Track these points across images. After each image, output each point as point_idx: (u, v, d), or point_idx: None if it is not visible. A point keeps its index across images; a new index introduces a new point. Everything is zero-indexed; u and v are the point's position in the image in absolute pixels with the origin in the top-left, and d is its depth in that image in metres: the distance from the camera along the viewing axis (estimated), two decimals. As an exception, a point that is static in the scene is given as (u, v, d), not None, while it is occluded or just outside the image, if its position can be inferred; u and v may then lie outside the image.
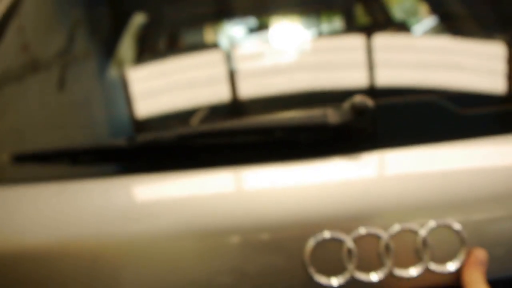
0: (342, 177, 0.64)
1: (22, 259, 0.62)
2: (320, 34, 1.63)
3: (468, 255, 0.60)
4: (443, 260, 0.60)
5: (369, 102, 0.64)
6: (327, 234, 0.59)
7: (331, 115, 0.65)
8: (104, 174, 0.68)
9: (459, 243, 0.60)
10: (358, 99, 0.64)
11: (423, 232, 0.59)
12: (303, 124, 0.66)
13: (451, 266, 0.60)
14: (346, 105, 0.65)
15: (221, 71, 1.01)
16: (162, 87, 0.98)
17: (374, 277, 0.59)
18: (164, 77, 1.05)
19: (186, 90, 0.96)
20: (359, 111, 0.64)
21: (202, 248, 0.61)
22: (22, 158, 0.70)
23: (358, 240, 0.59)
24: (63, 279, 0.62)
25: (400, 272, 0.59)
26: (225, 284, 0.60)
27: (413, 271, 0.59)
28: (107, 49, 1.24)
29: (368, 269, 0.59)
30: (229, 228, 0.61)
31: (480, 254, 0.59)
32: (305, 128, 0.66)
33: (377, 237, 0.59)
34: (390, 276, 0.59)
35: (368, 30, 1.41)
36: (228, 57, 1.09)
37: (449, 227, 0.60)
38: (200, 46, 1.53)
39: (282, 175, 0.64)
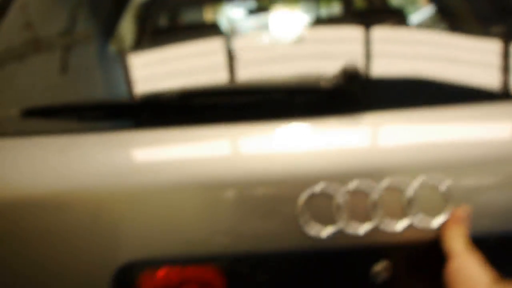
0: (334, 136, 0.66)
1: (27, 208, 0.65)
2: (318, 18, 1.65)
3: (452, 212, 0.63)
4: (428, 216, 0.63)
5: (359, 68, 0.67)
6: (318, 188, 0.62)
7: (324, 79, 0.68)
8: (109, 129, 0.71)
9: (444, 200, 0.63)
10: (349, 64, 0.68)
11: (410, 189, 0.63)
12: (298, 87, 0.69)
13: (436, 222, 0.63)
14: (338, 70, 0.68)
15: (220, 51, 1.03)
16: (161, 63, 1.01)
17: (362, 229, 0.62)
18: (164, 57, 1.08)
19: (185, 66, 0.99)
20: (350, 75, 0.67)
21: (199, 201, 0.64)
22: (30, 113, 0.73)
23: (348, 194, 0.62)
24: (66, 227, 0.64)
25: (387, 226, 0.62)
26: (222, 234, 0.63)
27: (399, 226, 0.63)
28: (108, 27, 1.26)
29: (356, 222, 0.63)
30: (226, 182, 0.64)
31: (462, 211, 0.63)
32: (300, 90, 0.69)
33: (366, 192, 0.62)
34: (377, 229, 0.63)
35: (364, 15, 1.44)
36: (227, 38, 1.11)
37: (435, 185, 0.63)
38: (200, 26, 1.55)
39: (278, 133, 0.67)
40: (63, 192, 0.65)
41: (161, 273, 0.64)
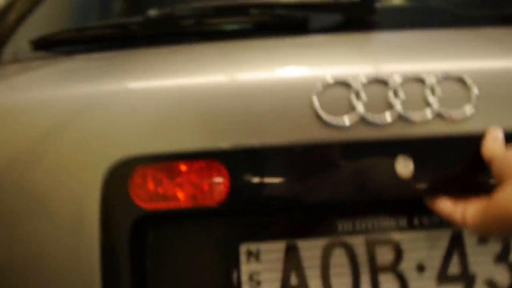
0: (351, 37, 0.66)
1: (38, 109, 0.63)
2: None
3: (486, 132, 0.60)
4: (450, 108, 0.61)
5: None
6: (332, 80, 0.61)
7: None
8: (119, 48, 0.70)
9: (467, 92, 0.61)
10: None
11: (430, 81, 0.61)
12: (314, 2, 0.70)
13: (458, 115, 0.61)
14: None
15: None
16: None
17: (383, 118, 0.60)
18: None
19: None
20: None
21: (205, 97, 0.61)
22: (40, 43, 0.73)
23: (365, 85, 0.60)
24: (63, 125, 0.62)
25: (409, 116, 0.60)
26: (231, 128, 0.61)
27: (423, 116, 0.60)
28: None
29: (377, 111, 0.60)
30: (240, 77, 0.62)
31: (497, 129, 0.60)
32: (317, 5, 0.70)
33: (385, 82, 0.61)
34: (399, 118, 0.60)
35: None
36: None
37: (456, 77, 0.62)
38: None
39: (295, 41, 0.68)
40: (66, 95, 0.63)
41: (155, 168, 0.60)
